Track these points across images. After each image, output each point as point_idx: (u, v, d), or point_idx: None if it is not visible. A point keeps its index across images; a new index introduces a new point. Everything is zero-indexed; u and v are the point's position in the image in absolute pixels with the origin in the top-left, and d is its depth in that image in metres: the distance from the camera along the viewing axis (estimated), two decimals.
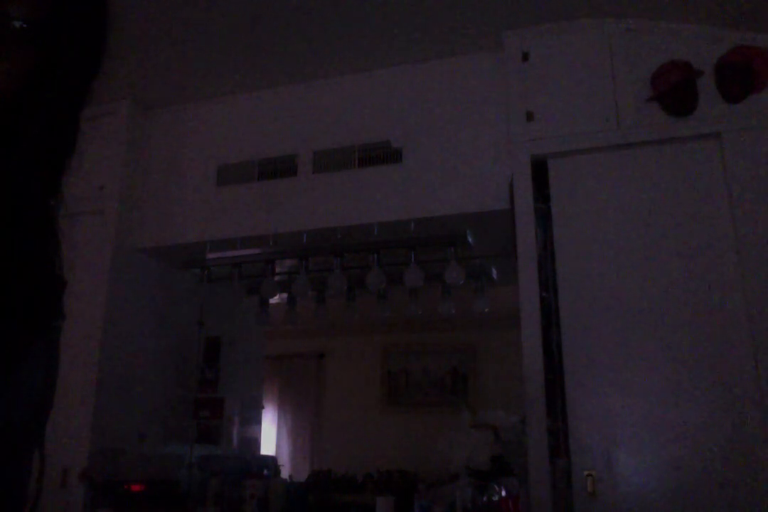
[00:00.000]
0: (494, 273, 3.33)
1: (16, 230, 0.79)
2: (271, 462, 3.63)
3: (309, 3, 2.60)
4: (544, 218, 2.53)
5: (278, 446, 5.71)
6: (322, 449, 5.62)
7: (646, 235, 2.39)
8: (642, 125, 2.48)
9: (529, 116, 2.63)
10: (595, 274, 2.41)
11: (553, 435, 2.29)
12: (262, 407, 4.24)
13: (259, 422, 4.13)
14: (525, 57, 2.70)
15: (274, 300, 3.49)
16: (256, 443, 4.08)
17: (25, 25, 0.77)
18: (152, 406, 3.25)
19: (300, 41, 2.84)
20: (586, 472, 2.20)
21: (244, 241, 3.10)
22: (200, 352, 3.62)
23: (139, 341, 3.21)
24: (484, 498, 2.35)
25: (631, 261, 2.38)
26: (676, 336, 2.26)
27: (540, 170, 2.58)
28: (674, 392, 2.22)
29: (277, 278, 3.27)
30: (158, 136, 3.37)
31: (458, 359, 5.38)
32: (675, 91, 2.42)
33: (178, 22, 2.71)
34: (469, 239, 2.90)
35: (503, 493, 2.32)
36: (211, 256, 3.19)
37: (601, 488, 2.18)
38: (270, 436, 5.56)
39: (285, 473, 3.58)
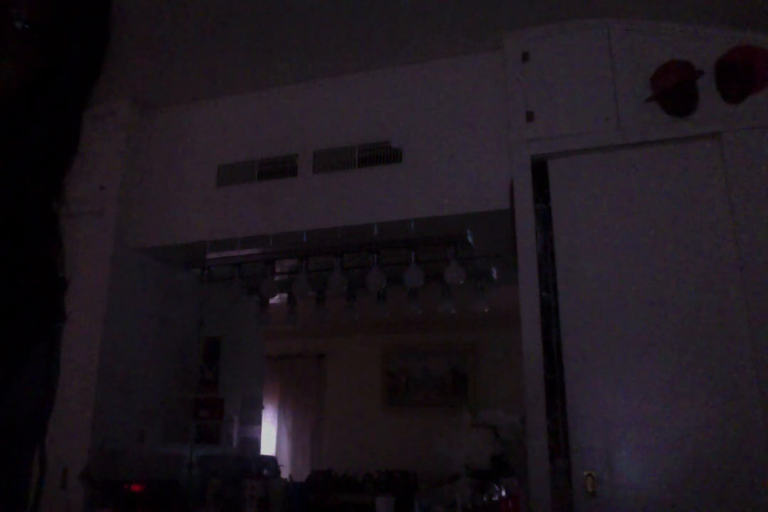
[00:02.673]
0: (494, 273, 3.33)
1: (17, 231, 0.79)
2: (271, 462, 3.63)
3: (309, 3, 2.60)
4: (544, 218, 2.54)
5: (278, 446, 5.71)
6: (322, 449, 5.63)
7: (646, 234, 2.39)
8: (642, 125, 2.48)
9: (529, 116, 2.63)
10: (595, 274, 2.41)
11: (553, 435, 2.29)
12: (262, 407, 4.24)
13: (259, 422, 4.12)
14: (525, 57, 2.70)
15: (274, 300, 3.49)
16: (256, 443, 4.08)
17: (27, 26, 0.77)
18: (152, 406, 3.25)
19: (300, 41, 2.84)
20: (586, 472, 2.21)
21: (244, 241, 3.10)
22: (200, 352, 3.62)
23: (139, 341, 3.21)
24: (484, 498, 2.35)
25: (631, 261, 2.38)
26: (676, 336, 2.26)
27: (540, 170, 2.58)
28: (674, 392, 2.22)
29: (277, 278, 3.27)
30: (158, 136, 3.37)
31: (458, 359, 5.38)
32: (675, 91, 2.42)
33: (179, 23, 2.71)
34: (469, 239, 2.90)
35: (503, 493, 2.32)
36: (211, 255, 3.19)
37: (601, 488, 2.19)
38: (270, 436, 5.56)
39: (285, 473, 3.57)
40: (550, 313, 2.42)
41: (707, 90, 2.42)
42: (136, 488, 2.81)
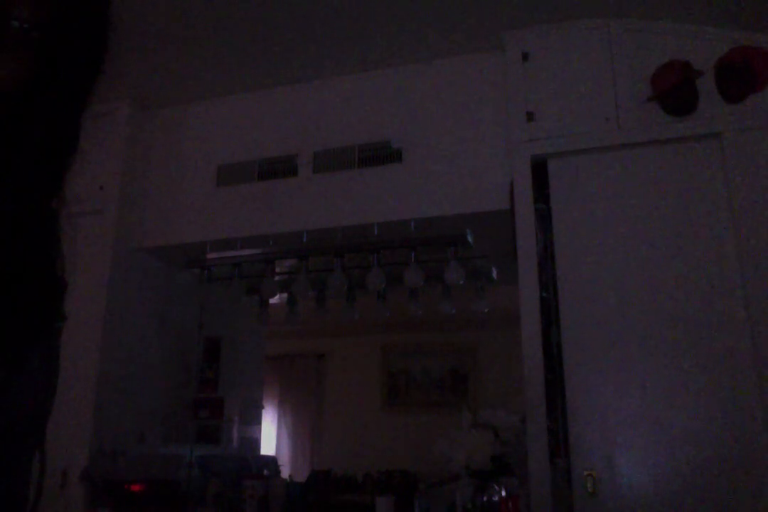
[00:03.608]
0: (494, 273, 3.33)
1: (18, 231, 0.79)
2: (271, 462, 3.63)
3: (309, 3, 2.60)
4: (544, 218, 2.54)
5: (278, 446, 5.71)
6: (322, 449, 5.62)
7: (646, 234, 2.39)
8: (642, 125, 2.48)
9: (529, 116, 2.63)
10: (595, 274, 2.41)
11: (553, 435, 2.29)
12: (262, 407, 4.24)
13: (259, 422, 4.13)
14: (525, 57, 2.70)
15: (274, 300, 3.49)
16: (256, 443, 4.08)
17: (26, 26, 0.77)
18: (152, 406, 3.25)
19: (300, 41, 2.84)
20: (586, 472, 2.21)
21: (244, 241, 3.10)
22: (200, 352, 3.62)
23: (139, 341, 3.21)
24: (484, 498, 2.34)
25: (631, 261, 2.38)
26: (676, 336, 2.26)
27: (540, 170, 2.58)
28: (674, 392, 2.22)
29: (277, 278, 3.27)
30: (158, 136, 3.37)
31: (458, 359, 5.38)
32: (675, 91, 2.42)
33: (179, 22, 2.71)
34: (469, 239, 2.90)
35: (503, 493, 2.32)
36: (211, 255, 3.19)
37: (601, 488, 2.19)
38: (270, 436, 5.56)
39: (285, 473, 3.57)
40: (550, 313, 2.42)
41: (707, 90, 2.42)
42: (136, 488, 2.81)
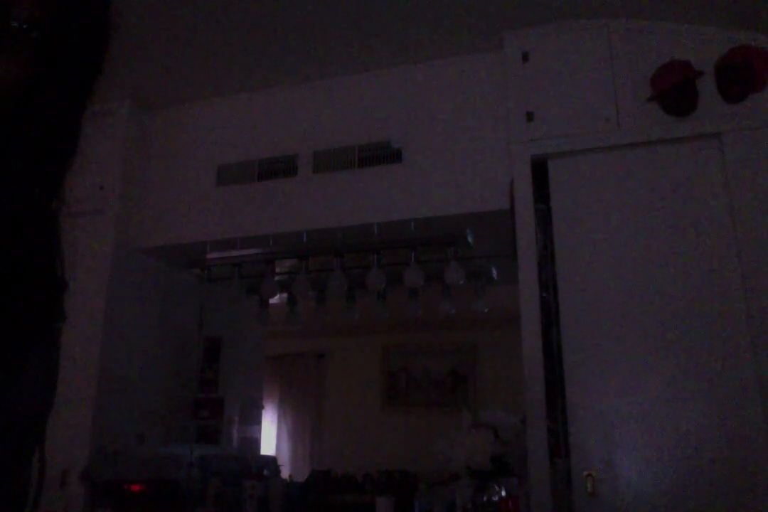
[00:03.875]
0: (494, 273, 3.33)
1: (18, 232, 0.79)
2: (271, 462, 3.63)
3: (309, 3, 2.60)
4: (544, 218, 2.54)
5: (278, 446, 5.71)
6: (322, 449, 5.62)
7: (646, 235, 2.39)
8: (642, 125, 2.48)
9: (529, 116, 2.63)
10: (595, 274, 2.41)
11: (553, 435, 2.29)
12: (262, 407, 4.24)
13: (259, 422, 4.13)
14: (525, 57, 2.70)
15: (274, 300, 3.49)
16: (256, 443, 4.08)
17: (26, 26, 0.77)
18: (152, 406, 3.25)
19: (300, 41, 2.84)
20: (586, 472, 2.20)
21: (244, 241, 3.10)
22: (200, 352, 3.62)
23: (139, 341, 3.21)
24: (484, 498, 2.35)
25: (631, 261, 2.38)
26: (675, 336, 2.26)
27: (540, 170, 2.58)
28: (674, 392, 2.22)
29: (277, 278, 3.28)
30: (158, 136, 3.37)
31: (458, 359, 5.38)
32: (675, 91, 2.42)
33: (179, 22, 2.71)
34: (469, 239, 2.90)
35: (503, 493, 2.32)
36: (211, 256, 3.19)
37: (601, 488, 2.19)
38: (270, 436, 5.56)
39: (285, 473, 3.57)
40: (550, 313, 2.42)
41: (707, 90, 2.42)
42: (136, 488, 2.81)
